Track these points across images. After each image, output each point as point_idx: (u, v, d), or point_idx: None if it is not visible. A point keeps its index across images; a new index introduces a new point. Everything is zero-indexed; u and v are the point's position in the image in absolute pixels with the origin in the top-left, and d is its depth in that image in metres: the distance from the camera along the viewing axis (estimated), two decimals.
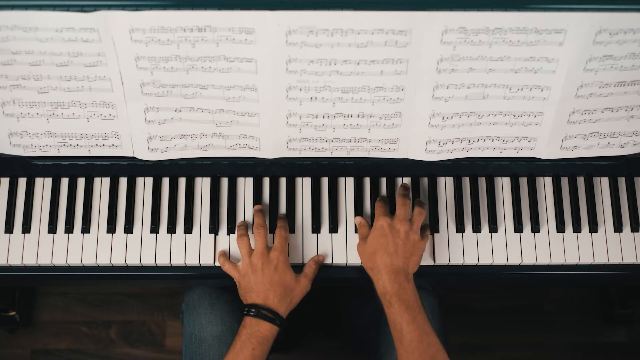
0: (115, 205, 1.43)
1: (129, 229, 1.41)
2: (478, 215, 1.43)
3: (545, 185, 1.46)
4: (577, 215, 1.43)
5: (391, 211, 1.38)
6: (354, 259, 1.41)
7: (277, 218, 1.41)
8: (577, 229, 1.43)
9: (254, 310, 1.31)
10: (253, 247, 1.36)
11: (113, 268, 1.41)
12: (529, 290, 2.11)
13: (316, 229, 1.42)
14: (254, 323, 1.30)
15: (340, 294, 1.78)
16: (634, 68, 1.26)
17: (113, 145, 1.38)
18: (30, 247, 1.40)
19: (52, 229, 1.41)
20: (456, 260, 1.41)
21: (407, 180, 1.45)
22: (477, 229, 1.42)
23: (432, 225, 1.42)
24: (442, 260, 1.41)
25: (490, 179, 1.45)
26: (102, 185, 1.44)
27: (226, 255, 1.40)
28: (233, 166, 1.44)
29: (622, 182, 1.46)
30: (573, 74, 1.26)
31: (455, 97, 1.30)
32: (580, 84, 1.28)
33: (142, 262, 1.40)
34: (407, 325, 1.25)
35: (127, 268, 1.41)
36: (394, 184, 1.44)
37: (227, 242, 1.41)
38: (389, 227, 1.32)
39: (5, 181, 1.43)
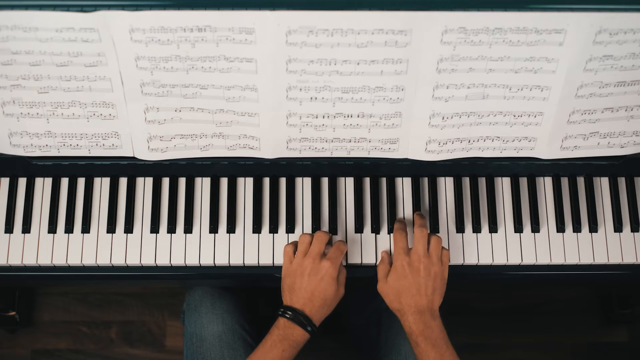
0: (115, 205, 1.43)
1: (129, 229, 1.41)
2: (478, 215, 1.43)
3: (545, 185, 1.46)
4: (577, 215, 1.43)
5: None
6: (354, 259, 1.41)
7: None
8: (577, 229, 1.43)
9: (290, 313, 1.29)
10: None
11: (113, 268, 1.41)
12: (529, 290, 2.11)
13: (316, 229, 1.42)
14: (288, 326, 1.29)
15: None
16: (634, 68, 1.26)
17: (113, 145, 1.38)
18: (30, 247, 1.40)
19: (52, 229, 1.41)
20: (456, 260, 1.41)
21: (407, 180, 1.45)
22: (477, 229, 1.42)
23: (432, 225, 1.42)
24: None
25: (490, 179, 1.45)
26: (102, 185, 1.44)
27: (295, 245, 1.36)
28: (233, 166, 1.44)
29: (622, 182, 1.46)
30: (573, 74, 1.26)
31: (455, 97, 1.30)
32: (580, 84, 1.28)
33: (142, 262, 1.40)
34: None
35: (127, 268, 1.41)
36: (394, 184, 1.44)
37: (227, 241, 1.41)
38: (409, 266, 1.29)
39: (5, 181, 1.43)
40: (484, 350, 2.06)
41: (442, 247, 1.33)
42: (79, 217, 1.42)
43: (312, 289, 1.30)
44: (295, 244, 1.35)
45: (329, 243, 1.37)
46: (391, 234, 1.41)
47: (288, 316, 1.29)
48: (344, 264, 1.40)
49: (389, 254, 1.38)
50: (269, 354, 1.28)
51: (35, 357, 2.05)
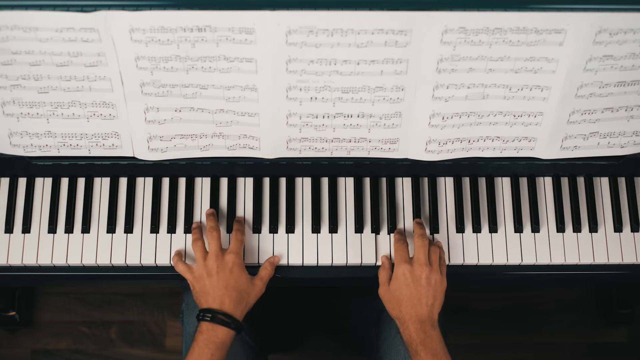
0: (115, 205, 1.43)
1: (129, 229, 1.41)
2: (478, 215, 1.43)
3: (545, 185, 1.46)
4: (577, 215, 1.43)
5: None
6: (354, 259, 1.41)
7: (235, 220, 1.40)
8: (577, 229, 1.43)
9: (209, 315, 1.29)
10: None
11: (113, 268, 1.41)
12: (529, 290, 2.11)
13: (316, 229, 1.42)
14: (210, 328, 1.28)
15: (340, 293, 1.78)
16: (634, 68, 1.26)
17: (113, 145, 1.38)
18: (30, 247, 1.40)
19: (52, 229, 1.41)
20: (456, 260, 1.41)
21: (407, 180, 1.45)
22: (477, 229, 1.42)
23: (432, 225, 1.42)
24: None
25: (490, 179, 1.45)
26: (102, 185, 1.44)
27: (181, 255, 1.38)
28: (233, 166, 1.44)
29: (622, 182, 1.46)
30: (573, 74, 1.26)
31: (455, 97, 1.30)
32: (580, 84, 1.28)
33: (142, 262, 1.40)
34: None
35: (127, 268, 1.41)
36: (394, 184, 1.44)
37: (227, 241, 1.41)
38: (410, 274, 1.30)
39: (5, 181, 1.43)
40: (484, 350, 2.06)
41: (440, 257, 1.34)
42: (79, 217, 1.42)
43: (224, 284, 1.30)
44: (179, 255, 1.37)
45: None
46: (391, 234, 1.41)
47: (208, 319, 1.29)
48: (346, 263, 1.40)
49: (389, 258, 1.38)
50: None
51: (35, 357, 2.05)
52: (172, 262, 1.38)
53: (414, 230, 1.38)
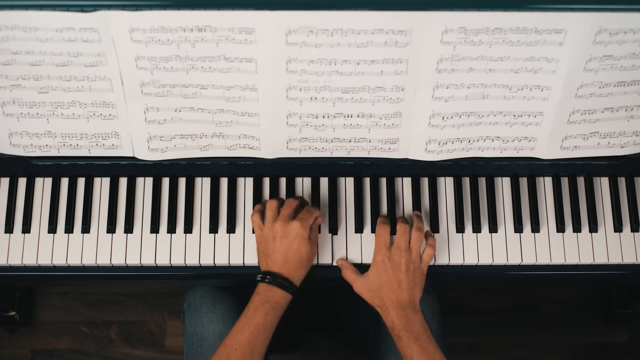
0: (115, 205, 1.43)
1: (129, 229, 1.41)
2: (478, 215, 1.43)
3: (545, 185, 1.46)
4: (577, 215, 1.43)
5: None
6: (354, 259, 1.41)
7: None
8: (577, 229, 1.43)
9: (269, 277, 1.30)
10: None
11: (113, 268, 1.41)
12: (529, 290, 2.11)
13: None
14: (267, 289, 1.30)
15: (341, 293, 1.78)
16: (634, 68, 1.26)
17: (113, 145, 1.38)
18: (30, 247, 1.40)
19: (52, 229, 1.41)
20: (456, 260, 1.41)
21: (407, 180, 1.45)
22: (477, 229, 1.42)
23: (432, 225, 1.42)
24: (442, 260, 1.41)
25: (490, 179, 1.45)
26: (102, 185, 1.44)
27: (261, 212, 1.37)
28: (233, 166, 1.44)
29: (622, 182, 1.46)
30: (573, 74, 1.26)
31: (455, 97, 1.30)
32: (580, 84, 1.28)
33: (142, 262, 1.40)
34: (418, 356, 1.26)
35: (127, 268, 1.41)
36: (393, 184, 1.44)
37: (227, 241, 1.41)
38: (390, 260, 1.31)
39: (5, 181, 1.43)
40: (484, 350, 2.06)
41: (428, 244, 1.35)
42: (79, 217, 1.42)
43: (285, 251, 1.31)
44: (261, 213, 1.36)
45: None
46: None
47: (267, 280, 1.30)
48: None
49: (344, 258, 1.40)
50: (252, 320, 1.29)
51: (35, 357, 2.05)
52: (250, 218, 1.37)
53: (397, 215, 1.38)
